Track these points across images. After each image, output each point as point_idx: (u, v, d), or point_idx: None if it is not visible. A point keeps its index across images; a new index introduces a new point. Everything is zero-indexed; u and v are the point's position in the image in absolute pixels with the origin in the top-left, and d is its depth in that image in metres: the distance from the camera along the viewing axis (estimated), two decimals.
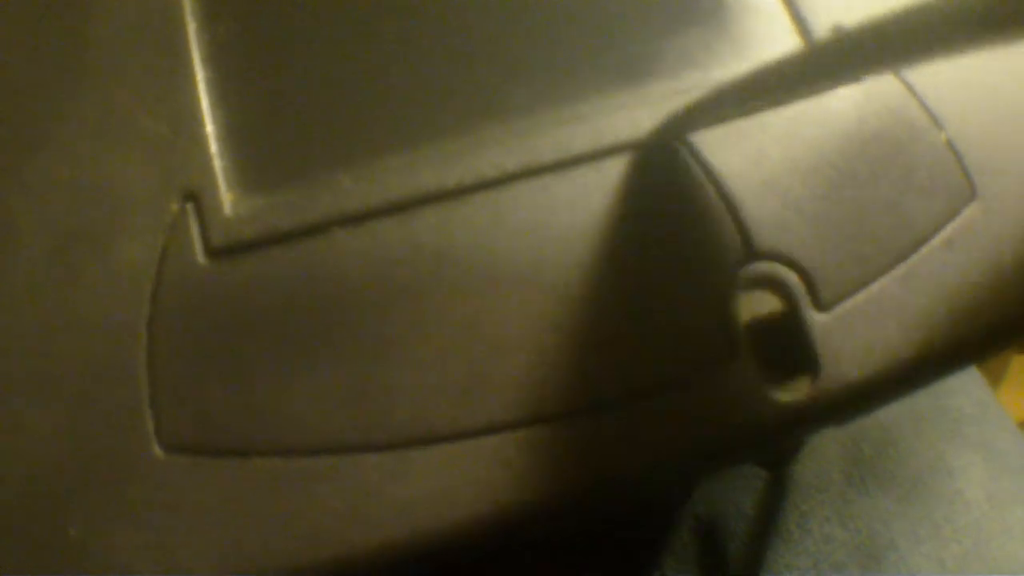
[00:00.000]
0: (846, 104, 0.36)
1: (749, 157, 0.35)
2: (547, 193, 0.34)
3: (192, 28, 0.36)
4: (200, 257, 0.34)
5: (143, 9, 0.37)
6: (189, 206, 0.34)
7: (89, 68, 0.36)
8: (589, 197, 0.34)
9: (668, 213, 0.34)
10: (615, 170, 0.35)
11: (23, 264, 0.34)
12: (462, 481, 0.31)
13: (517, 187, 0.34)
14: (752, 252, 0.34)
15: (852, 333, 0.34)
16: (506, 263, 0.33)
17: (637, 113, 0.35)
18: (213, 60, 0.36)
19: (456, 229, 0.34)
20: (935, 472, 0.49)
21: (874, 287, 0.34)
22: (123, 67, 0.36)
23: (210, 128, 0.35)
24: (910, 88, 0.37)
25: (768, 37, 0.37)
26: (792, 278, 0.34)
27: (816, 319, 0.34)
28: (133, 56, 0.36)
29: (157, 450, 0.32)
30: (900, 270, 0.35)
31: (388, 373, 0.32)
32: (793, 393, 0.33)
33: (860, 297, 0.34)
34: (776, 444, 0.40)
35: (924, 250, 0.35)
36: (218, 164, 0.35)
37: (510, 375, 0.32)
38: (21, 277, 0.34)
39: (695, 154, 0.35)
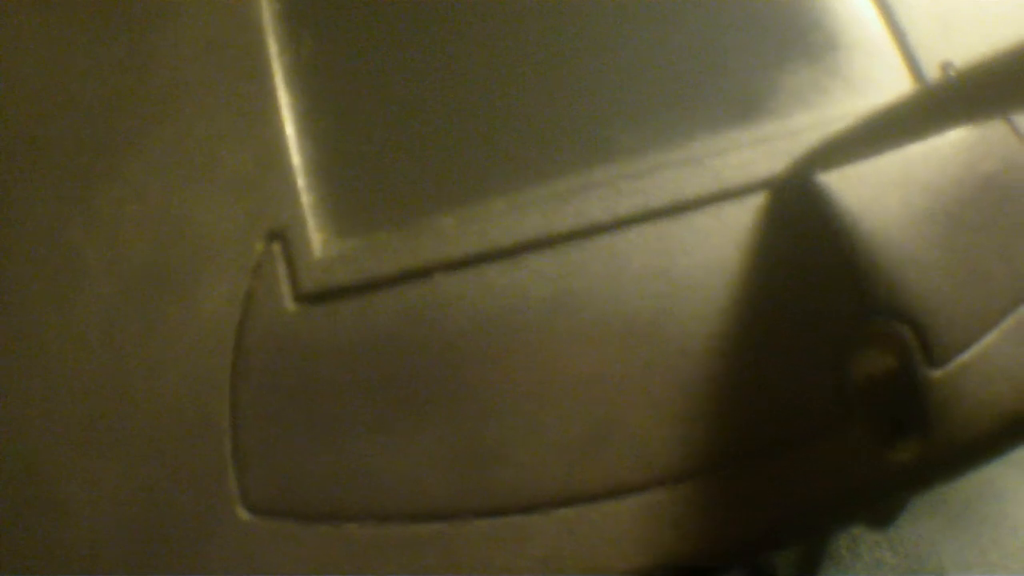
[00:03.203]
0: (957, 147, 0.35)
1: (867, 205, 0.33)
2: (665, 239, 0.32)
3: (273, 49, 0.33)
4: (289, 302, 0.31)
5: (216, 28, 0.33)
6: (276, 246, 0.31)
7: (158, 92, 0.33)
8: (708, 243, 0.32)
9: (787, 263, 0.33)
10: (733, 216, 0.33)
11: (93, 303, 0.31)
12: (576, 549, 0.30)
13: (633, 233, 0.32)
14: (869, 308, 0.33)
15: (962, 391, 0.33)
16: (623, 313, 0.31)
17: (751, 154, 0.33)
18: (297, 85, 0.33)
19: (570, 277, 0.31)
20: (984, 495, 0.50)
21: (984, 342, 0.33)
22: (197, 91, 0.33)
23: (296, 160, 0.32)
24: (1018, 133, 0.36)
25: (879, 76, 0.36)
26: (907, 335, 0.33)
27: (928, 377, 0.33)
28: (208, 79, 0.33)
29: (241, 512, 0.30)
30: (1009, 322, 0.34)
31: (497, 432, 0.30)
32: (905, 453, 0.32)
33: (971, 353, 0.33)
34: (886, 503, 0.40)
35: None
36: (306, 200, 0.32)
37: (627, 436, 0.31)
38: (91, 316, 0.31)
39: (814, 202, 0.33)
